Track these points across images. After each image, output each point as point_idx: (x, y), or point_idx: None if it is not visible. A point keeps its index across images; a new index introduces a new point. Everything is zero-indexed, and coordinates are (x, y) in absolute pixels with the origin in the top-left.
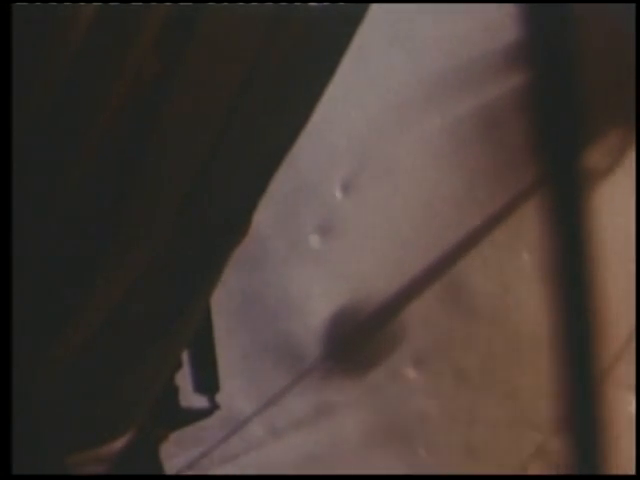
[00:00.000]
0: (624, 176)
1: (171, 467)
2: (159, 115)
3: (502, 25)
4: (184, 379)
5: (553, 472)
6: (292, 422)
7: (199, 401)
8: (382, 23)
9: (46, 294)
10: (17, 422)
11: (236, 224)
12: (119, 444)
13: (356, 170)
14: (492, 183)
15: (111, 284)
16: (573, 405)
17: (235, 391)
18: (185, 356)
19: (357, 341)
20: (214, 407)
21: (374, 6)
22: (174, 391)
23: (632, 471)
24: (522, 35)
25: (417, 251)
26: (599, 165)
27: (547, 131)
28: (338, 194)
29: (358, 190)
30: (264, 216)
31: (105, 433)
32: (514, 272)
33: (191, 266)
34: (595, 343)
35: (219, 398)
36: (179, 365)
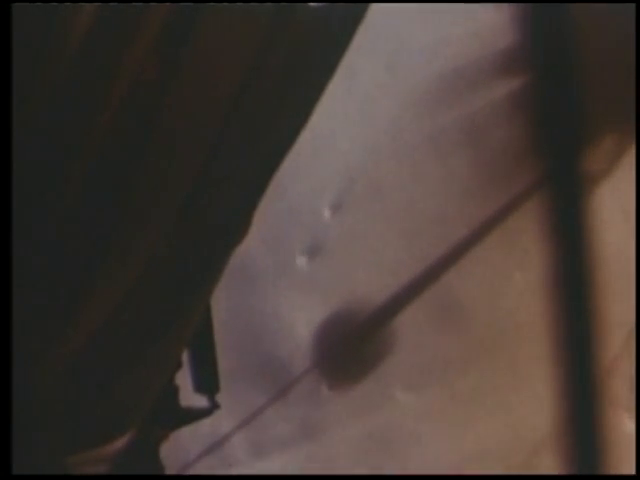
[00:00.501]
0: (624, 176)
1: (171, 467)
2: (159, 115)
3: (498, 28)
4: (184, 379)
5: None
6: (276, 444)
7: (199, 401)
8: (370, 42)
9: (46, 294)
10: (17, 422)
11: (236, 224)
12: (119, 444)
13: (344, 190)
14: (482, 196)
15: (111, 284)
16: (570, 427)
17: (219, 411)
18: (185, 356)
19: (344, 360)
20: (214, 407)
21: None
22: (174, 391)
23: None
24: (521, 37)
25: (406, 270)
26: (599, 166)
27: (546, 133)
28: (327, 214)
29: (347, 210)
30: (252, 237)
31: (105, 433)
32: (507, 291)
33: (191, 266)
34: (595, 346)
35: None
36: (179, 365)
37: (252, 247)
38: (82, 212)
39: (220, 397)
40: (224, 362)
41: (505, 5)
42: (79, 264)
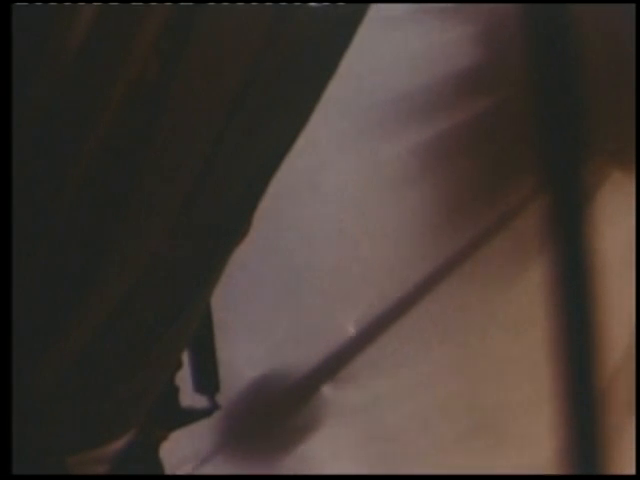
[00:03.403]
0: (624, 180)
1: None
2: (159, 116)
3: (495, 31)
4: (184, 379)
5: None
6: None
7: (199, 401)
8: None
9: (46, 294)
10: (17, 422)
11: (236, 225)
12: (119, 444)
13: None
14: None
15: (111, 284)
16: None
17: None
18: (185, 356)
19: None
20: (214, 407)
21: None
22: (174, 391)
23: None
24: (519, 38)
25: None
26: (599, 170)
27: (545, 136)
28: (351, 331)
29: (374, 326)
30: (259, 362)
31: (105, 433)
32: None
33: (191, 266)
34: (596, 354)
35: None
36: (179, 365)
37: (258, 374)
38: (82, 211)
39: None
40: None
41: (502, 7)
42: (79, 263)
